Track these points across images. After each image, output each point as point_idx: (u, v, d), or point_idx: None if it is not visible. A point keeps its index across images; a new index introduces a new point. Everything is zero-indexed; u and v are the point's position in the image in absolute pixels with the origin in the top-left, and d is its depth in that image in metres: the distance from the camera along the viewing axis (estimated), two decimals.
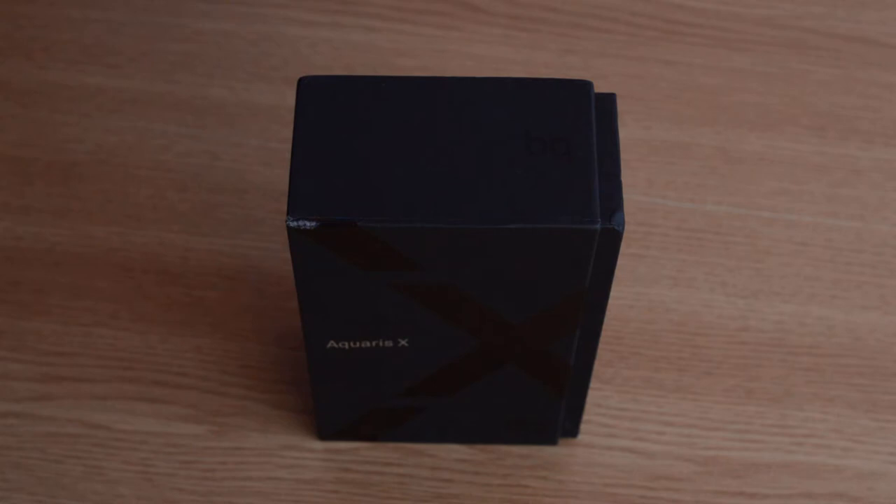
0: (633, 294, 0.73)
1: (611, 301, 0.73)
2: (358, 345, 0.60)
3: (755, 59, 0.81)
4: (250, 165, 0.77)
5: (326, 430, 0.68)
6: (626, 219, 0.76)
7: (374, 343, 0.60)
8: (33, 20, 0.82)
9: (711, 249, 0.75)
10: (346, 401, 0.65)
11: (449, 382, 0.63)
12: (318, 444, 0.69)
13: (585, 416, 0.70)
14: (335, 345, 0.60)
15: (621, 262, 0.74)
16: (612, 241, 0.55)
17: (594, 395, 0.71)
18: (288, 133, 0.78)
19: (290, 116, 0.79)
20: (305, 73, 0.80)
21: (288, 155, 0.77)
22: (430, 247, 0.54)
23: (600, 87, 0.80)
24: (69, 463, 0.69)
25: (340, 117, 0.55)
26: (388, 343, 0.60)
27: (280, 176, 0.77)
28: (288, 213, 0.53)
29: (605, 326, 0.72)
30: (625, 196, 0.76)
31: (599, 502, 0.68)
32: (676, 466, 0.69)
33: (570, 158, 0.54)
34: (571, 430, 0.68)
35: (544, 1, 0.83)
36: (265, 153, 0.77)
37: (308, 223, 0.53)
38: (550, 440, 0.69)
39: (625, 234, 0.74)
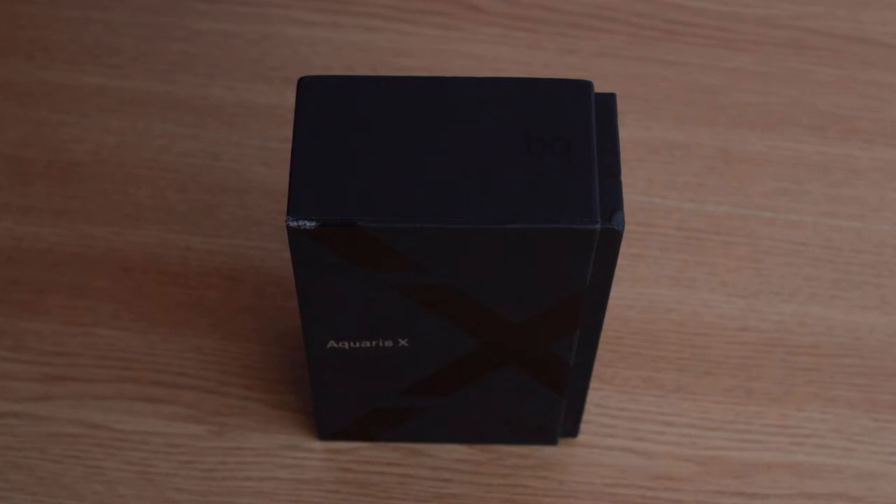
0: (633, 294, 0.73)
1: (611, 301, 0.73)
2: (358, 345, 0.60)
3: (755, 59, 0.81)
4: (250, 165, 0.77)
5: (326, 430, 0.68)
6: (626, 219, 0.76)
7: (374, 343, 0.60)
8: (33, 20, 0.82)
9: (711, 249, 0.75)
10: (346, 401, 0.65)
11: (449, 382, 0.63)
12: (318, 444, 0.69)
13: (585, 416, 0.70)
14: (335, 345, 0.60)
15: (621, 262, 0.74)
16: (612, 241, 0.55)
17: (594, 395, 0.71)
18: (288, 133, 0.78)
19: (290, 116, 0.79)
20: (305, 73, 0.80)
21: (288, 155, 0.77)
22: (430, 247, 0.54)
23: (600, 87, 0.80)
24: (69, 463, 0.69)
25: (340, 117, 0.55)
26: (388, 343, 0.60)
27: (280, 176, 0.77)
28: (288, 213, 0.53)
29: (605, 326, 0.72)
30: (625, 196, 0.76)
31: (599, 502, 0.68)
32: (676, 466, 0.69)
33: (570, 158, 0.54)
34: (571, 430, 0.68)
35: (544, 1, 0.83)
36: (265, 153, 0.77)
37: (308, 223, 0.53)
38: (550, 440, 0.69)
39: (625, 234, 0.74)
